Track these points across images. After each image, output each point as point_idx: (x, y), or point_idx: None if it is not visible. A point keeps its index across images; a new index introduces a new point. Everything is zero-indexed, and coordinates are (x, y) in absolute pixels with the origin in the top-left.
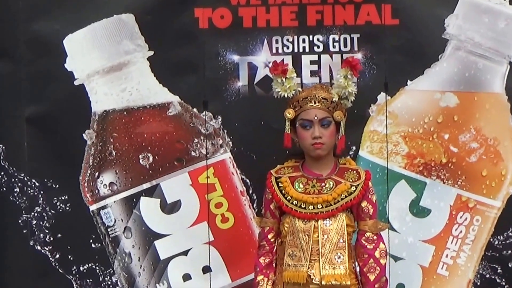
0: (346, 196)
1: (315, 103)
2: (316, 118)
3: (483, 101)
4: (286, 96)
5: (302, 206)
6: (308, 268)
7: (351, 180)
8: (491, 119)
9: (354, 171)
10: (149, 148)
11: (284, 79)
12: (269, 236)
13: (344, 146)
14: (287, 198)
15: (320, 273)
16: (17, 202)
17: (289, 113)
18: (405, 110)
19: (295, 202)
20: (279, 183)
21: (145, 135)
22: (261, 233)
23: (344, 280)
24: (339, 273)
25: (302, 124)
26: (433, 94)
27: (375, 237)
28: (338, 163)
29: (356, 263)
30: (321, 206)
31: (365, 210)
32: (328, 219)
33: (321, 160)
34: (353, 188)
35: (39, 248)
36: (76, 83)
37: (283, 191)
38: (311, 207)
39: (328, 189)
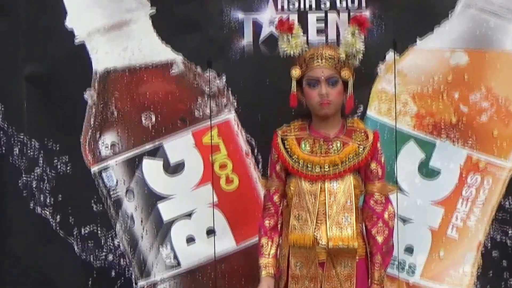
0: (353, 157)
1: (322, 61)
2: (323, 76)
3: (494, 59)
4: (292, 54)
5: (309, 167)
6: (315, 230)
7: (359, 141)
8: (502, 78)
9: (362, 132)
10: (151, 108)
11: (290, 37)
12: (275, 198)
13: (353, 106)
14: (294, 159)
15: (327, 236)
16: (17, 164)
17: (295, 72)
18: (414, 69)
19: (301, 163)
20: (285, 143)
21: (148, 95)
22: (266, 195)
23: (352, 243)
24: (346, 235)
25: (308, 83)
26: (443, 53)
27: (383, 199)
28: (346, 123)
29: (363, 225)
30: (328, 167)
31: (374, 172)
32: (335, 180)
33: (328, 120)
34: (361, 149)
35: (39, 210)
36: (76, 41)
37: (289, 151)
38: (318, 168)
39: (336, 150)
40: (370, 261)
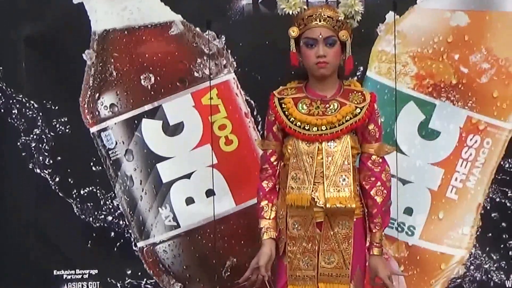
0: (350, 118)
1: (320, 21)
2: (320, 36)
3: (495, 20)
4: (291, 13)
5: (306, 127)
6: (312, 191)
7: (356, 102)
8: (502, 39)
9: (359, 93)
10: (150, 68)
11: None
12: (272, 159)
13: (352, 67)
14: (290, 120)
15: (324, 196)
16: (16, 124)
17: (293, 31)
18: (414, 29)
19: (298, 123)
20: (282, 104)
21: (147, 55)
22: (263, 156)
23: (349, 203)
24: (344, 196)
25: (306, 43)
26: (443, 13)
27: (380, 160)
28: (343, 84)
29: (360, 187)
30: (325, 128)
31: (372, 132)
32: (332, 141)
33: (325, 80)
34: (358, 110)
35: (38, 171)
36: (75, 1)
37: (286, 112)
38: (315, 128)
39: (333, 111)
40: (370, 221)
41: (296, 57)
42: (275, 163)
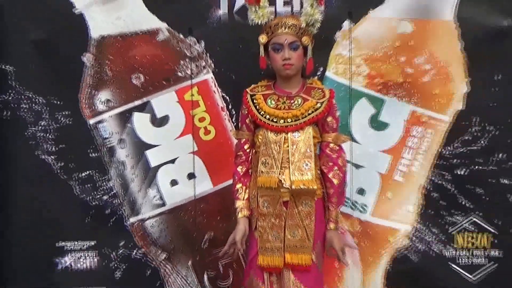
0: (312, 112)
1: (285, 29)
2: (286, 42)
3: (436, 28)
4: (260, 23)
5: (274, 120)
6: (279, 174)
7: (317, 98)
8: (442, 44)
9: (320, 90)
10: (140, 69)
11: (257, 8)
12: (245, 147)
13: (313, 68)
14: (261, 113)
15: (290, 179)
16: (24, 117)
17: (262, 38)
18: (366, 35)
19: (267, 116)
20: (254, 100)
21: (137, 58)
22: (237, 144)
23: (311, 185)
24: (307, 179)
25: (274, 48)
26: (392, 22)
27: (337, 148)
28: (306, 83)
29: (320, 171)
30: (290, 120)
31: (330, 124)
32: (296, 131)
33: (290, 79)
34: (319, 105)
35: (43, 157)
36: (76, 12)
37: (257, 107)
38: (282, 121)
39: (297, 105)
40: (328, 201)
41: (265, 60)
42: (248, 150)
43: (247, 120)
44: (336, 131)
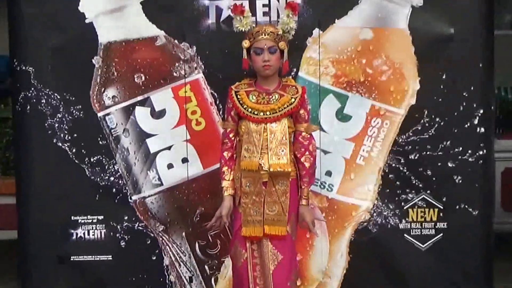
0: (288, 106)
1: (265, 35)
2: (265, 46)
3: (392, 34)
4: (243, 30)
5: (255, 113)
6: (260, 159)
7: (291, 94)
8: (397, 48)
9: (294, 87)
10: (141, 70)
11: (242, 18)
12: (230, 135)
13: (288, 68)
14: (244, 107)
15: (268, 163)
16: (44, 110)
17: (246, 43)
18: (333, 41)
19: (249, 110)
20: (238, 95)
21: (139, 60)
22: (224, 133)
23: (286, 168)
24: (283, 162)
25: (255, 51)
26: (354, 30)
27: (308, 136)
28: (282, 81)
29: (294, 155)
30: (269, 113)
31: (302, 115)
32: (274, 122)
33: (269, 78)
34: (293, 100)
35: (60, 144)
36: (87, 21)
37: (240, 101)
38: (261, 113)
39: (274, 100)
40: (300, 180)
41: (247, 62)
42: (232, 138)
43: (232, 113)
44: (308, 122)
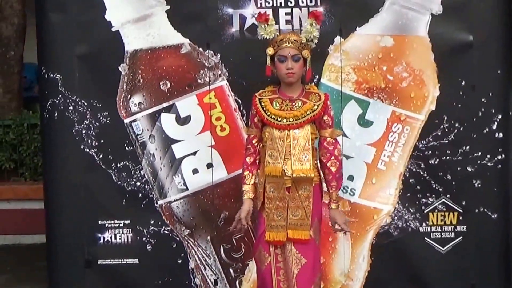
0: (310, 113)
1: (289, 43)
2: (289, 54)
3: (412, 42)
4: (267, 38)
5: (278, 119)
6: (283, 164)
7: (314, 101)
8: (417, 55)
9: (316, 94)
10: (167, 77)
11: (266, 25)
12: (253, 141)
13: (311, 76)
14: (267, 114)
15: (291, 168)
16: (71, 117)
17: (270, 51)
18: (354, 48)
19: (273, 116)
20: (262, 103)
21: (164, 67)
22: (247, 139)
23: (309, 173)
24: (305, 168)
25: (279, 59)
26: (375, 37)
27: (333, 141)
28: (305, 88)
29: (319, 161)
30: (292, 120)
31: (326, 121)
32: (297, 129)
33: (292, 85)
34: (316, 107)
35: (87, 150)
36: (113, 29)
37: (264, 108)
38: (285, 120)
39: (297, 107)
40: (328, 185)
41: (270, 69)
42: (255, 143)
43: (255, 119)
44: (332, 127)
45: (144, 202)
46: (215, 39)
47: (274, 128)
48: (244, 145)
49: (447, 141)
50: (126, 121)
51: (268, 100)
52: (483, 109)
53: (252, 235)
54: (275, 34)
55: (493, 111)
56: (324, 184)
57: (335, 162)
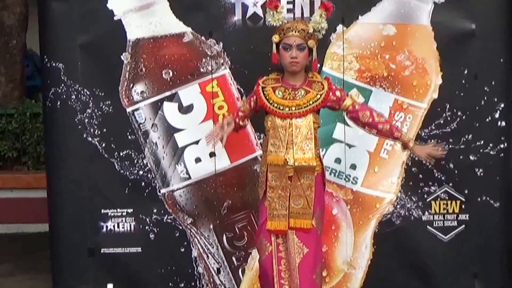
0: (313, 102)
1: (295, 32)
2: (294, 43)
3: (414, 30)
4: (274, 25)
5: (281, 108)
6: (285, 153)
7: (317, 90)
8: (420, 44)
9: (320, 83)
10: (169, 66)
11: (275, 12)
12: (240, 113)
13: (317, 67)
14: (270, 102)
15: (293, 157)
16: (74, 106)
17: (276, 38)
18: (357, 37)
19: (275, 105)
20: (265, 91)
21: (166, 56)
22: (238, 108)
23: (311, 162)
24: (307, 157)
25: (284, 47)
26: (378, 26)
27: (360, 104)
28: (308, 77)
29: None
30: (295, 108)
31: (339, 97)
32: (300, 118)
33: (295, 74)
34: (318, 96)
35: (90, 139)
36: (115, 18)
37: (267, 97)
38: (287, 109)
39: (300, 96)
40: (392, 135)
41: (276, 56)
42: (240, 115)
43: (252, 100)
44: (347, 95)
45: (147, 191)
46: (218, 28)
47: (277, 117)
48: (247, 134)
49: (449, 130)
50: (129, 110)
51: (271, 88)
52: (485, 98)
53: (255, 224)
54: (282, 21)
55: (495, 99)
56: (326, 174)
57: (379, 114)
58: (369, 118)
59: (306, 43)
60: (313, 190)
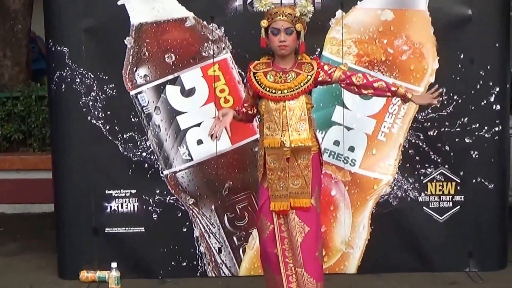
0: (304, 84)
1: (282, 16)
2: (282, 27)
3: (412, 15)
4: (262, 10)
5: (273, 91)
6: (281, 136)
7: (307, 71)
8: (417, 29)
9: (309, 64)
10: (172, 50)
11: None
12: (245, 104)
13: (304, 50)
14: (262, 87)
15: (289, 139)
16: (78, 89)
17: (264, 23)
18: (355, 22)
19: (268, 89)
20: (256, 76)
21: (169, 41)
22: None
23: (307, 142)
24: (303, 137)
25: (272, 32)
26: (376, 11)
27: (349, 72)
28: (297, 59)
29: (361, 86)
30: (286, 91)
31: (329, 70)
32: (292, 100)
33: (285, 57)
34: (309, 77)
35: (94, 121)
36: (119, 3)
37: (259, 82)
38: (279, 92)
39: (291, 79)
40: (390, 90)
41: (265, 41)
42: (246, 105)
43: (248, 88)
44: (335, 67)
45: (150, 172)
46: (219, 13)
47: (270, 100)
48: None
49: (445, 113)
50: (132, 93)
51: (262, 73)
52: (481, 82)
53: (256, 205)
54: (270, 6)
55: (491, 83)
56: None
57: (371, 75)
58: (363, 80)
59: (294, 26)
60: (310, 169)
